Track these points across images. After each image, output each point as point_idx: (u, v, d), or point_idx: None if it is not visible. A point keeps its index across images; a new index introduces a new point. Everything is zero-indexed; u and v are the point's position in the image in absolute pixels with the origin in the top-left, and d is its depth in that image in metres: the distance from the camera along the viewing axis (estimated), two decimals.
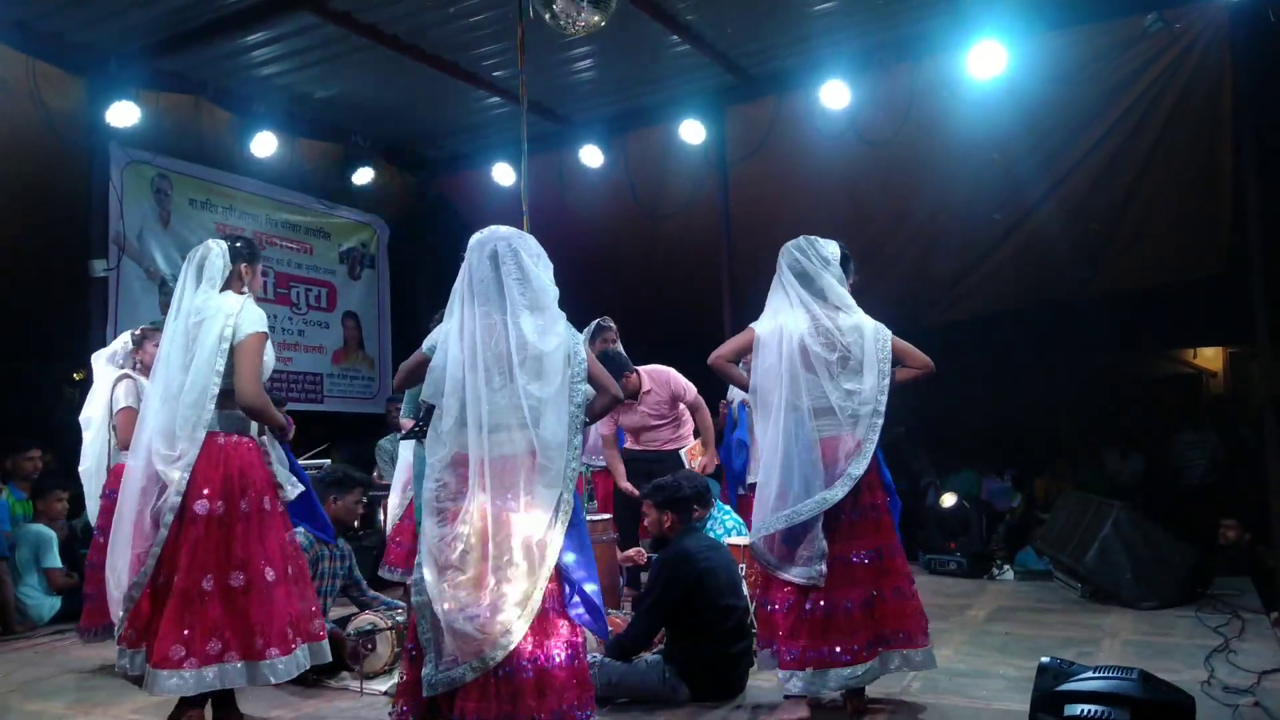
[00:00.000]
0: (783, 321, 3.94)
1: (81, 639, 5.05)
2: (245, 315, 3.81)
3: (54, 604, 6.27)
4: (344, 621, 4.92)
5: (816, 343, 3.86)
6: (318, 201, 9.76)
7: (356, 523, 6.82)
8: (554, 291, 3.34)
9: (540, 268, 3.32)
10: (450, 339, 3.24)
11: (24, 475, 6.86)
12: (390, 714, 3.24)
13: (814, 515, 3.77)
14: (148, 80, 7.63)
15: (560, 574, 3.16)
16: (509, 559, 3.05)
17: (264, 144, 8.43)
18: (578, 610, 3.18)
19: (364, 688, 4.49)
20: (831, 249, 4.05)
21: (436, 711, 3.11)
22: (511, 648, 3.01)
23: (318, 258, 9.85)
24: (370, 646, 4.64)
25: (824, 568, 3.74)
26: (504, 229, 3.39)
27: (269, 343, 3.88)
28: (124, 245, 7.91)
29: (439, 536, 3.11)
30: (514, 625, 3.02)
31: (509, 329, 3.19)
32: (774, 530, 3.82)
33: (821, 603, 3.75)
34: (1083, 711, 3.01)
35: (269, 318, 9.42)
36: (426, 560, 3.13)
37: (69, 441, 8.51)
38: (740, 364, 4.30)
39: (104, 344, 7.59)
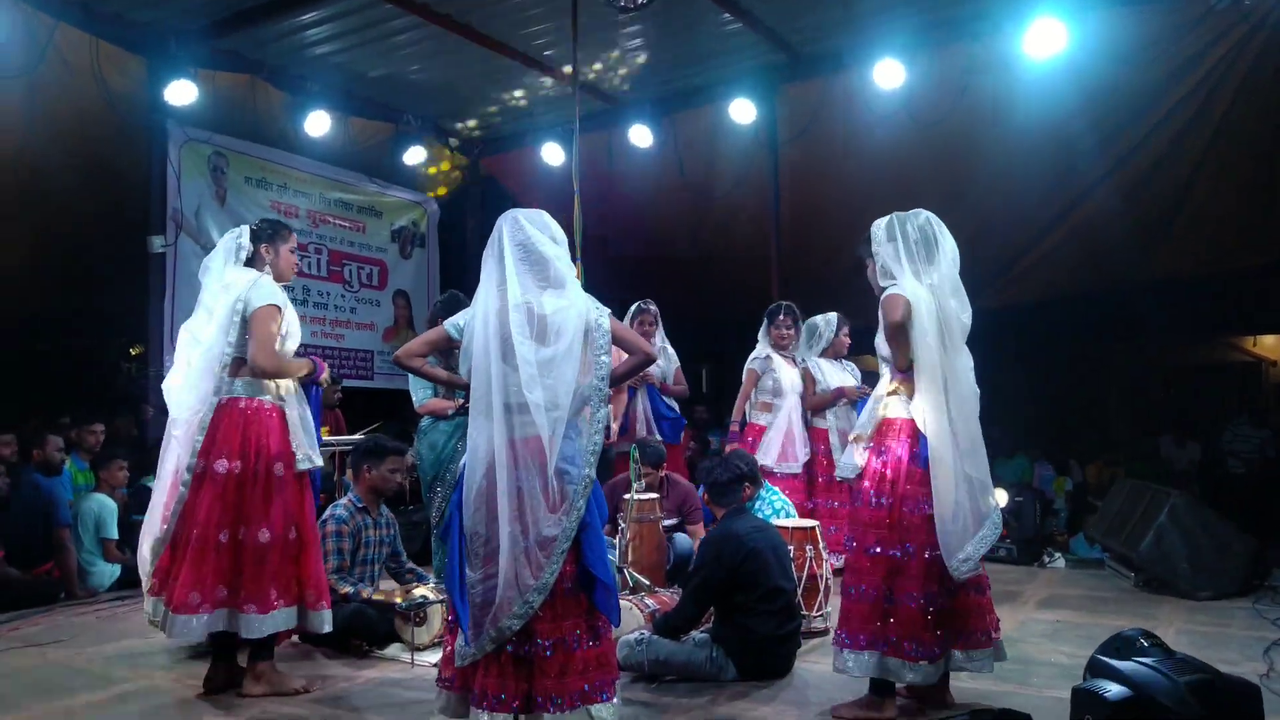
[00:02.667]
0: (919, 288, 3.69)
1: None
2: (258, 289, 4.00)
3: (113, 571, 6.43)
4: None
5: (944, 313, 3.67)
6: (370, 180, 9.86)
7: (399, 490, 6.94)
8: (565, 267, 3.35)
9: (549, 244, 3.34)
10: (475, 319, 3.29)
11: (87, 448, 7.04)
12: (437, 681, 3.32)
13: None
14: (205, 59, 7.75)
15: (577, 554, 3.18)
16: (524, 535, 3.09)
17: (317, 123, 8.52)
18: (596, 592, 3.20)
19: (415, 659, 4.55)
20: None
21: (469, 681, 3.17)
22: (527, 618, 3.06)
23: (370, 236, 9.96)
24: (421, 619, 4.70)
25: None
26: (519, 210, 3.43)
27: (291, 315, 4.08)
28: (181, 222, 8.05)
29: (470, 510, 3.17)
30: (530, 598, 3.06)
31: (519, 306, 3.22)
32: (979, 554, 3.64)
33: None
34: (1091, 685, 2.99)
35: (322, 295, 9.64)
36: (469, 531, 3.20)
37: (126, 412, 8.76)
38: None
39: (161, 319, 7.80)
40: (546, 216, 3.44)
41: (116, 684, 4.32)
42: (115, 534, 6.47)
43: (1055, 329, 9.91)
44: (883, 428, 3.81)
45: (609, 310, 3.40)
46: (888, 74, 7.68)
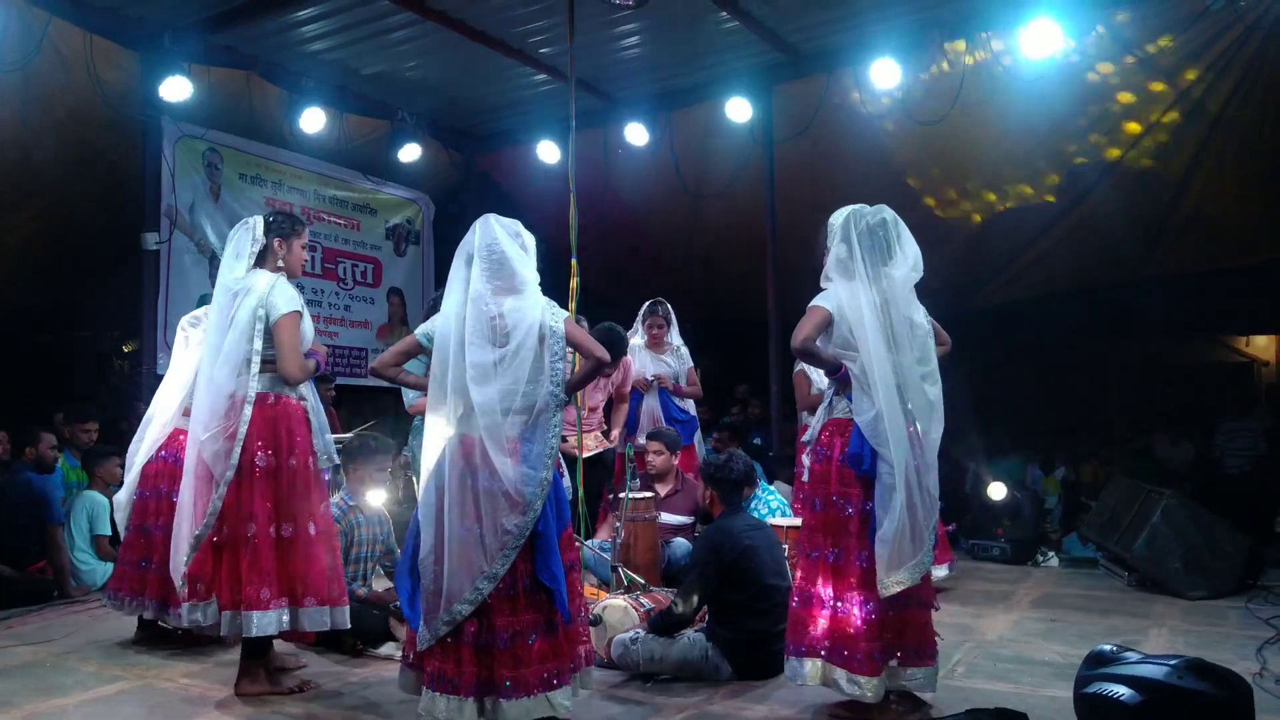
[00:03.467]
0: (853, 294, 3.63)
1: (111, 603, 5.04)
2: (277, 294, 4.02)
3: (106, 569, 6.39)
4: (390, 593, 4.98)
5: (894, 318, 3.61)
6: (364, 178, 9.83)
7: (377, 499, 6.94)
8: (529, 273, 3.45)
9: (517, 251, 3.44)
10: (446, 320, 3.42)
11: (80, 445, 7.01)
12: (400, 659, 3.48)
13: (933, 535, 3.58)
14: (200, 55, 7.71)
15: (532, 549, 3.29)
16: (479, 526, 3.22)
17: (312, 120, 8.49)
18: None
19: None
20: None
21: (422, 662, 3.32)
22: (477, 604, 3.19)
23: (364, 233, 9.94)
24: None
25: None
26: (493, 216, 3.54)
27: (305, 316, 4.13)
28: (175, 218, 8.02)
29: (429, 504, 3.31)
30: (480, 585, 3.20)
31: (477, 309, 3.34)
32: (912, 580, 3.50)
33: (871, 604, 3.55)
34: (1097, 690, 2.99)
35: (316, 292, 9.61)
36: (423, 524, 3.33)
37: (118, 410, 8.74)
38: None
39: (155, 316, 7.77)
40: (519, 225, 3.55)
41: (110, 682, 4.32)
42: (108, 531, 6.44)
43: (1051, 328, 9.92)
44: (824, 430, 3.78)
45: (566, 314, 3.48)
46: (884, 73, 7.67)
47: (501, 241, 3.42)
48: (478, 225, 3.49)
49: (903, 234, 3.73)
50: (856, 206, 3.77)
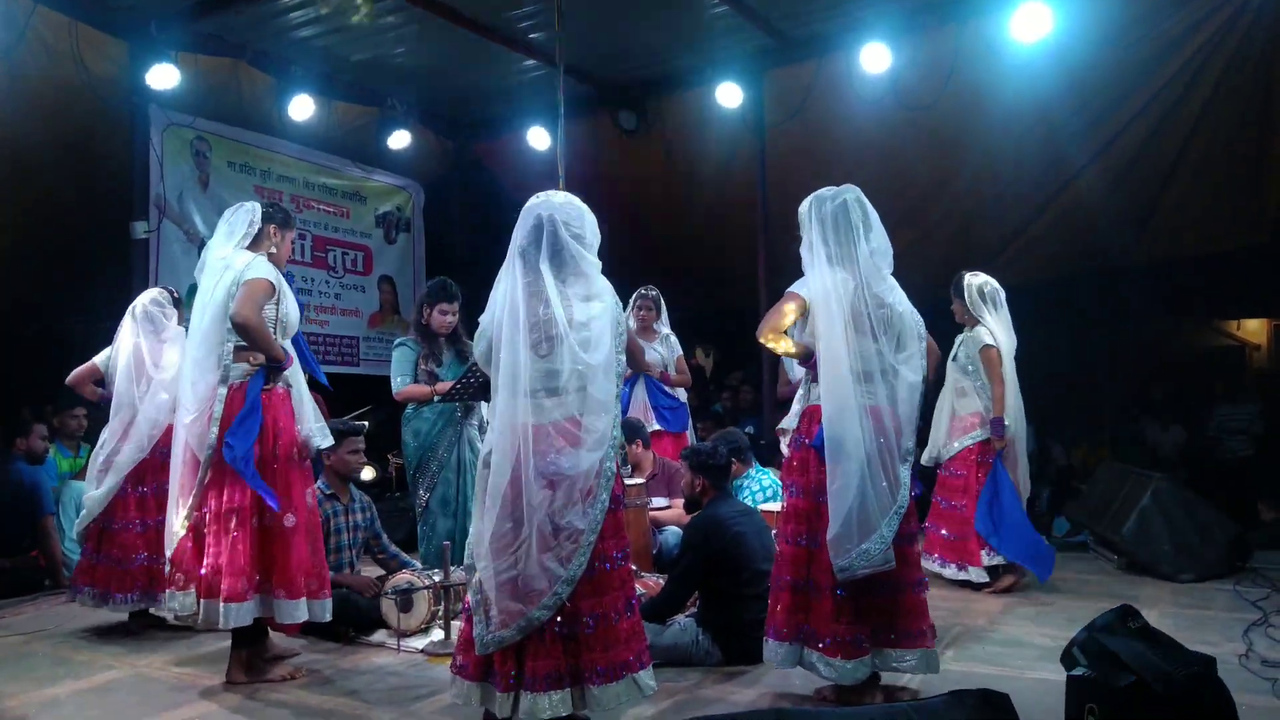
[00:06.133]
0: (827, 283, 3.62)
1: (74, 598, 5.04)
2: (252, 270, 3.93)
3: None
4: (381, 581, 4.99)
5: (864, 304, 3.58)
6: (354, 165, 9.79)
7: (366, 474, 6.95)
8: (596, 259, 3.32)
9: (585, 234, 3.31)
10: (496, 305, 3.25)
11: (70, 433, 6.99)
12: (451, 667, 3.28)
13: (893, 524, 3.48)
14: (187, 43, 7.66)
15: (613, 530, 3.18)
16: (550, 526, 3.06)
17: (301, 107, 8.45)
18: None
19: (401, 645, 4.56)
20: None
21: (490, 667, 3.13)
22: (555, 609, 3.04)
23: (354, 221, 9.89)
24: (408, 604, 4.70)
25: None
26: (556, 195, 3.39)
27: (287, 298, 4.06)
28: (164, 207, 7.99)
29: (489, 500, 3.13)
30: (559, 589, 3.04)
31: (552, 296, 3.18)
32: (868, 564, 3.43)
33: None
34: (1083, 673, 2.98)
35: (306, 281, 9.54)
36: (476, 522, 3.19)
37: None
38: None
39: None
40: (579, 208, 3.36)
41: (101, 671, 4.33)
42: None
43: (1041, 313, 9.92)
44: (802, 417, 3.78)
45: (626, 312, 3.39)
46: (875, 58, 7.65)
47: (570, 238, 3.25)
48: (544, 224, 3.25)
49: (868, 212, 3.71)
50: (818, 192, 3.76)
